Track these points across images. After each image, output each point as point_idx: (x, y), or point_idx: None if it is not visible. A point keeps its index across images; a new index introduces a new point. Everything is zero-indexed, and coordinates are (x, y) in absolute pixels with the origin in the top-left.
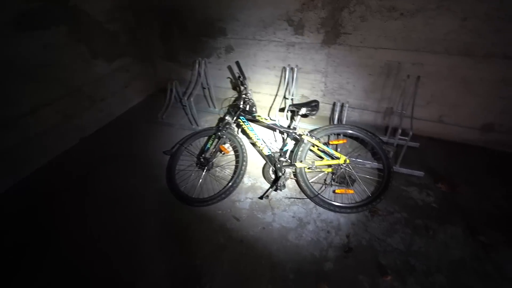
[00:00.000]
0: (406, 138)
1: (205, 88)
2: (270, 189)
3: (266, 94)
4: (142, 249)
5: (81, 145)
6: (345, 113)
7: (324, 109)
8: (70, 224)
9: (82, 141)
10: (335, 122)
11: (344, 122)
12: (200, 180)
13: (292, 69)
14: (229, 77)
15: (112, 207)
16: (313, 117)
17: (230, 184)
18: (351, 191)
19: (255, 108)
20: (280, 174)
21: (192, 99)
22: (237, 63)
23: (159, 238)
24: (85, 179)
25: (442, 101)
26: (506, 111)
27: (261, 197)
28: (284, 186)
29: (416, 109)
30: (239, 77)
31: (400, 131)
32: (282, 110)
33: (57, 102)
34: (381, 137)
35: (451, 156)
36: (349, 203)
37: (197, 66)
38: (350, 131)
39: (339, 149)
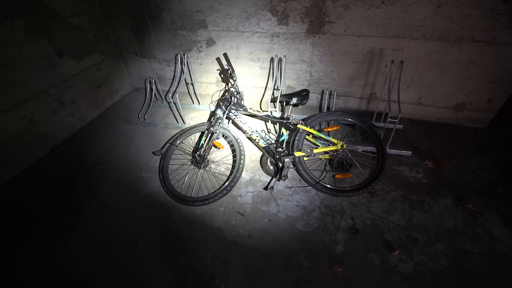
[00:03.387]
0: (394, 120)
1: (188, 84)
2: (274, 179)
3: (250, 87)
4: (142, 259)
5: (53, 154)
6: (333, 101)
7: (311, 98)
8: (52, 245)
9: (54, 149)
10: (324, 110)
11: (333, 110)
12: (197, 178)
13: (280, 60)
14: (218, 69)
15: (100, 218)
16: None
17: (229, 179)
18: (350, 175)
19: (243, 101)
20: (281, 164)
21: (177, 96)
22: (225, 55)
23: (160, 244)
24: (62, 192)
25: (421, 84)
26: (474, 90)
27: (265, 188)
28: (287, 176)
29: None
30: (228, 69)
31: (390, 114)
32: (271, 101)
33: (20, 107)
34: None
35: (431, 135)
36: (350, 187)
37: (179, 61)
38: (342, 118)
39: (331, 136)
